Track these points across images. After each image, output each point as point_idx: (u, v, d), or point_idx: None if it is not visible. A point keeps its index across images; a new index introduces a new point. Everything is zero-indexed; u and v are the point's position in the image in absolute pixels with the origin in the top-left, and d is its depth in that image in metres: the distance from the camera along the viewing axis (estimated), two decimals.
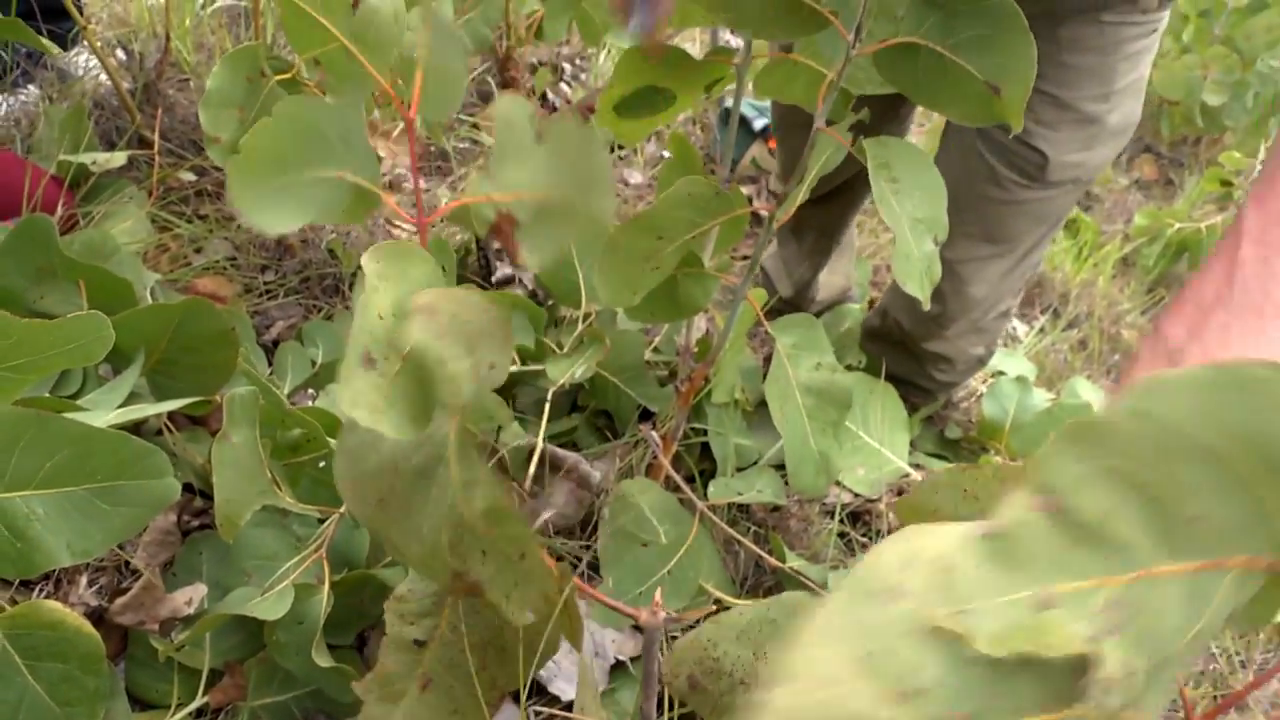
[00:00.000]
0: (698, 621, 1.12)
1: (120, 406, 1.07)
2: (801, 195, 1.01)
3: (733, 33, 2.49)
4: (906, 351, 1.45)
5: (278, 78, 1.21)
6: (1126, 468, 0.29)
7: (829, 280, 1.71)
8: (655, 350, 1.41)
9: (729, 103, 2.13)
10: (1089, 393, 1.77)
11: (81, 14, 1.77)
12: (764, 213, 1.03)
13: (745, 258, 2.07)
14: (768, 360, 1.53)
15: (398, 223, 1.66)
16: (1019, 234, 1.28)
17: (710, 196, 0.97)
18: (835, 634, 0.33)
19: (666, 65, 1.04)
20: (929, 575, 0.32)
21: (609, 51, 2.43)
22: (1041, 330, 2.14)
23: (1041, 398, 1.64)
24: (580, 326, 1.32)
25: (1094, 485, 0.30)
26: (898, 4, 0.85)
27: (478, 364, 0.76)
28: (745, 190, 2.12)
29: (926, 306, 0.86)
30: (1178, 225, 2.63)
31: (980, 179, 1.23)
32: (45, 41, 1.48)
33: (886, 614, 0.32)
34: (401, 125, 1.94)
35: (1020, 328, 2.16)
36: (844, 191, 1.56)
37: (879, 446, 1.38)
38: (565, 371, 1.21)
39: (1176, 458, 0.29)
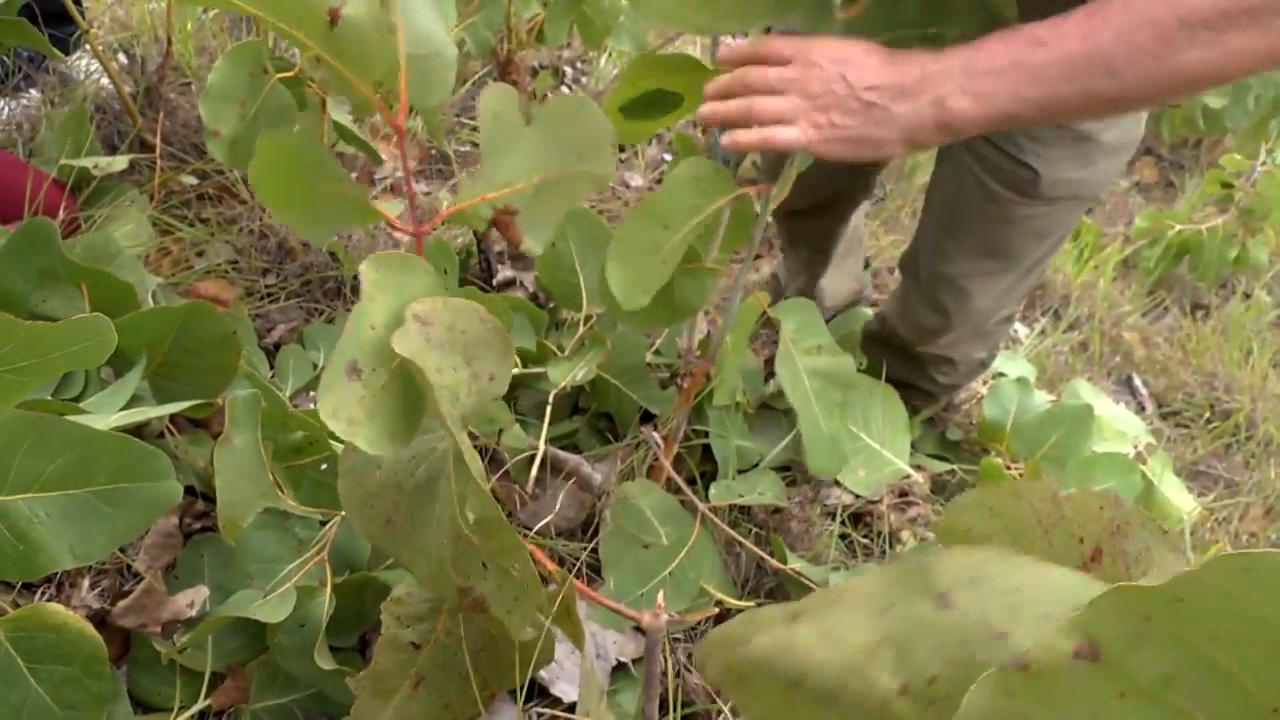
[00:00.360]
0: (699, 624, 1.12)
1: (122, 409, 1.07)
2: (788, 183, 1.02)
3: (734, 36, 2.50)
4: (907, 355, 1.45)
5: (279, 75, 1.21)
6: (1199, 643, 0.28)
7: (835, 287, 1.70)
8: (656, 353, 1.41)
9: None
10: (1090, 395, 1.77)
11: (83, 18, 1.78)
12: (756, 196, 1.05)
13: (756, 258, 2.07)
14: (769, 363, 1.53)
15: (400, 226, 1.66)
16: (1020, 250, 1.27)
17: (712, 175, 0.98)
18: (873, 607, 0.33)
19: (676, 70, 1.04)
20: (981, 601, 0.31)
21: (610, 55, 2.43)
22: (1042, 332, 2.14)
23: (1042, 399, 1.64)
24: (581, 329, 1.32)
25: (1152, 647, 0.29)
26: None
27: (476, 375, 0.76)
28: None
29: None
30: (1178, 227, 2.63)
31: (976, 196, 1.23)
32: (49, 47, 1.49)
33: (928, 614, 0.32)
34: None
35: (1021, 330, 2.16)
36: (829, 209, 1.55)
37: (880, 448, 1.38)
38: (567, 374, 1.22)
39: (1264, 648, 0.27)
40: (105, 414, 1.04)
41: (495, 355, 0.77)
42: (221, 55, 1.09)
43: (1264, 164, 3.05)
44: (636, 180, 2.04)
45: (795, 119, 0.89)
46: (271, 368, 1.33)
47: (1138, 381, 2.17)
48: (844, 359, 1.06)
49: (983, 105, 0.84)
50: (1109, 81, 0.81)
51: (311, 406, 1.25)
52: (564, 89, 2.33)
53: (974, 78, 0.84)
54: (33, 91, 1.88)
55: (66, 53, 1.93)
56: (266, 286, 1.48)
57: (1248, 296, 2.70)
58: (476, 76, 2.10)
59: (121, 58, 2.06)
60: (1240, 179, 2.83)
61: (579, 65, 2.49)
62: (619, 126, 1.09)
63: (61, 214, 1.44)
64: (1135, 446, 1.78)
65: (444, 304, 0.74)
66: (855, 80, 0.86)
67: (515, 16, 1.97)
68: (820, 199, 1.51)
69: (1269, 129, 3.25)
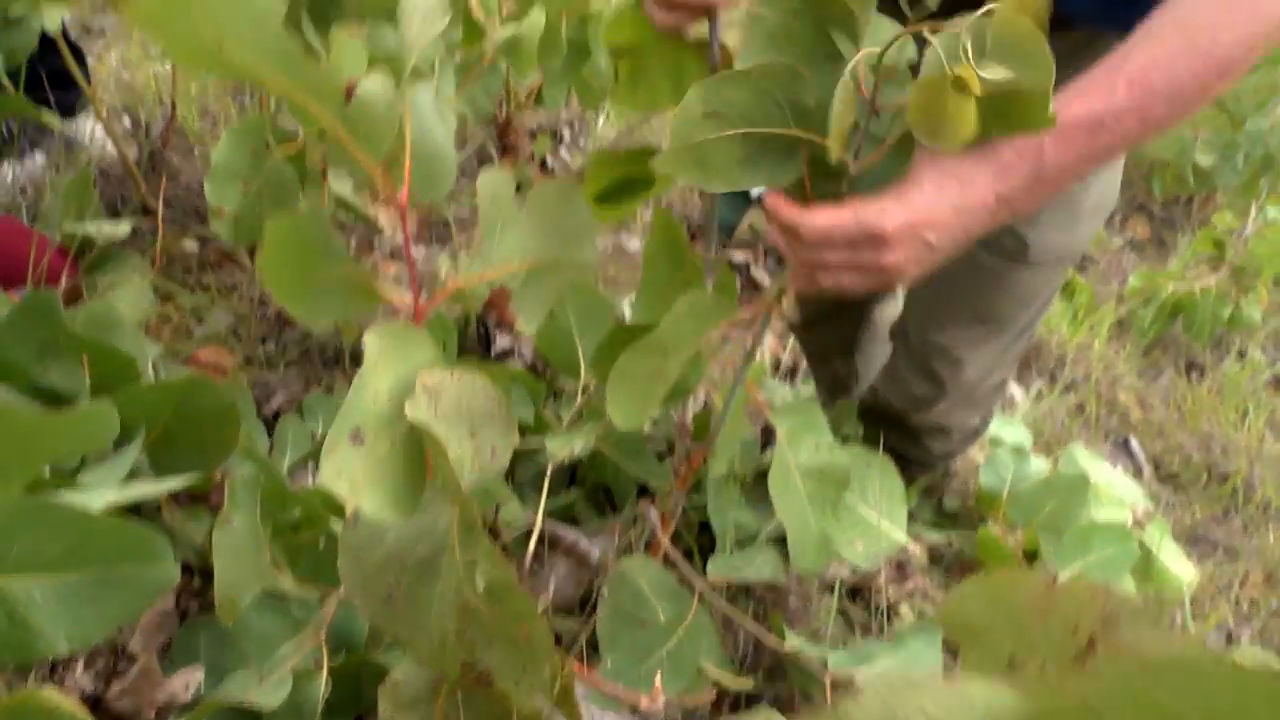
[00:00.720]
0: (697, 706, 1.11)
1: (121, 483, 1.07)
2: (792, 299, 1.02)
3: None
4: (902, 426, 1.45)
5: (282, 150, 1.23)
6: None
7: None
8: (654, 423, 1.41)
9: None
10: (1086, 461, 1.77)
11: (89, 82, 1.80)
12: (764, 283, 1.05)
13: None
14: (765, 430, 1.54)
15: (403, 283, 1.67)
16: (1010, 314, 1.28)
17: (711, 307, 0.98)
18: None
19: (636, 160, 1.06)
20: None
21: (608, 116, 2.46)
22: (1039, 395, 2.15)
23: (1039, 467, 1.64)
24: (579, 399, 1.33)
25: None
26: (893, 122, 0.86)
27: (480, 449, 0.77)
28: (741, 255, 2.14)
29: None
30: (1172, 287, 2.65)
31: (964, 264, 1.23)
32: (48, 116, 1.50)
33: None
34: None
35: (1017, 392, 2.16)
36: (851, 306, 1.54)
37: (877, 519, 1.38)
38: (565, 447, 1.22)
39: None
40: (104, 489, 1.04)
41: (499, 430, 0.78)
42: (225, 133, 1.10)
43: (1255, 220, 3.09)
44: (634, 244, 2.06)
45: (873, 288, 0.88)
46: (270, 437, 1.33)
47: (1135, 444, 2.18)
48: (841, 455, 1.07)
49: (1058, 195, 0.88)
50: (1161, 132, 0.87)
51: (310, 479, 1.25)
52: (562, 151, 2.36)
53: (1047, 185, 0.84)
54: (38, 155, 1.90)
55: (72, 115, 1.95)
56: (266, 354, 1.49)
57: (1242, 355, 2.72)
58: (477, 141, 2.12)
59: (126, 120, 2.09)
60: (1232, 237, 2.85)
61: (576, 126, 2.53)
62: (597, 211, 1.12)
63: (64, 281, 1.45)
64: (1133, 513, 1.78)
65: (452, 377, 0.75)
66: (939, 241, 0.85)
67: (514, 81, 2.00)
68: (831, 302, 1.50)
69: (1259, 186, 3.29)
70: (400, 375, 0.72)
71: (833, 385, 1.62)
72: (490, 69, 1.56)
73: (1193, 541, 1.96)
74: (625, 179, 1.14)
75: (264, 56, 0.66)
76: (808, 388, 1.84)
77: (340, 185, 1.32)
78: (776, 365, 1.91)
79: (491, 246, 0.82)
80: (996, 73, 0.77)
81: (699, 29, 1.01)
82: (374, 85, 0.73)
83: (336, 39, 0.68)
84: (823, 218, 0.84)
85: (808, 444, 1.12)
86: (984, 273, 1.24)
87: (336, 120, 0.71)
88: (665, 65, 1.22)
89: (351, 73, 0.71)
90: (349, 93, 0.73)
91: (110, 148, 1.87)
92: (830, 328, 1.56)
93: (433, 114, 0.78)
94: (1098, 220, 1.26)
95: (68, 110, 1.94)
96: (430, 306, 0.82)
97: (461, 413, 0.73)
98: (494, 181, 0.81)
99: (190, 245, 1.66)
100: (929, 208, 0.83)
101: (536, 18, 1.46)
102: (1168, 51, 0.82)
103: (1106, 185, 1.23)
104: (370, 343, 0.71)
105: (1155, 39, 0.82)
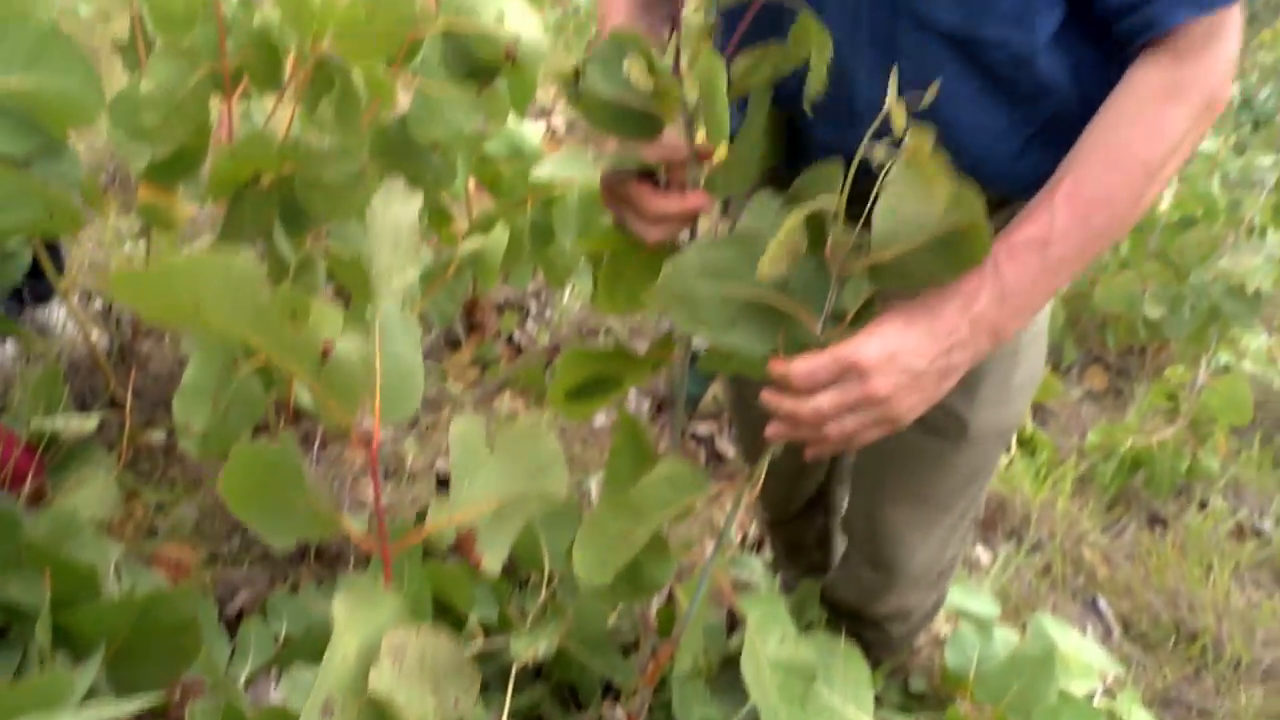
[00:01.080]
0: None
1: (78, 705, 1.06)
2: (760, 475, 1.05)
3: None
4: (859, 618, 1.46)
5: (250, 363, 1.25)
6: None
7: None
8: (619, 615, 1.41)
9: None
10: (1054, 629, 1.77)
11: (61, 272, 1.84)
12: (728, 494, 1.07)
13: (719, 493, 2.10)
14: (730, 614, 1.54)
15: (367, 475, 1.69)
16: (954, 493, 1.30)
17: (687, 475, 1.01)
18: None
19: (606, 360, 1.10)
20: None
21: (573, 289, 2.53)
22: (1006, 559, 2.16)
23: (1006, 639, 1.64)
24: (544, 592, 1.33)
25: None
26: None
27: (443, 702, 0.79)
28: (705, 428, 2.18)
29: None
30: (1130, 440, 2.70)
31: (906, 450, 1.26)
32: (25, 331, 1.54)
33: None
34: None
35: (984, 556, 2.18)
36: (824, 498, 1.58)
37: (843, 705, 1.37)
38: (530, 647, 1.21)
39: None
40: (60, 713, 1.03)
41: (462, 683, 0.80)
42: (195, 353, 1.13)
43: (1207, 370, 3.18)
44: (599, 419, 2.10)
45: (878, 427, 0.92)
46: (232, 639, 1.32)
47: (1103, 604, 2.19)
48: (806, 649, 1.08)
49: (1029, 315, 0.94)
50: (1108, 243, 0.93)
51: (273, 687, 1.24)
52: (529, 324, 2.42)
53: (1013, 303, 0.90)
54: (8, 345, 1.93)
55: (45, 300, 1.99)
56: (230, 550, 1.49)
57: (1204, 505, 2.75)
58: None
59: (98, 303, 2.13)
60: (1185, 389, 2.93)
61: (543, 296, 2.59)
62: (565, 409, 1.15)
63: (29, 482, 1.46)
64: (1103, 680, 1.77)
65: (415, 635, 0.77)
66: (915, 365, 0.89)
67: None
68: (810, 493, 1.54)
69: (1208, 336, 3.39)
70: (367, 635, 0.74)
71: (806, 573, 1.63)
72: (455, 277, 1.62)
73: (1165, 704, 1.95)
74: (595, 377, 1.17)
75: (243, 321, 0.70)
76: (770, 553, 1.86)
77: (305, 396, 1.35)
78: (743, 538, 1.93)
79: (462, 490, 0.85)
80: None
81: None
82: (349, 347, 0.76)
83: (315, 307, 0.72)
84: (804, 362, 0.90)
85: (775, 635, 1.13)
86: (927, 455, 1.27)
87: (313, 379, 0.75)
88: (642, 267, 1.28)
89: (328, 335, 0.74)
90: (327, 350, 0.76)
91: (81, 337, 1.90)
92: (805, 521, 1.59)
93: (403, 335, 0.81)
94: (1028, 394, 1.30)
95: (41, 296, 1.98)
96: (400, 549, 0.84)
97: (424, 670, 0.75)
98: (466, 429, 0.85)
99: (157, 436, 1.68)
100: (900, 337, 0.89)
101: (500, 234, 1.52)
102: (1092, 170, 0.90)
103: (1033, 361, 1.28)
104: (339, 608, 0.73)
105: (1079, 163, 0.91)
